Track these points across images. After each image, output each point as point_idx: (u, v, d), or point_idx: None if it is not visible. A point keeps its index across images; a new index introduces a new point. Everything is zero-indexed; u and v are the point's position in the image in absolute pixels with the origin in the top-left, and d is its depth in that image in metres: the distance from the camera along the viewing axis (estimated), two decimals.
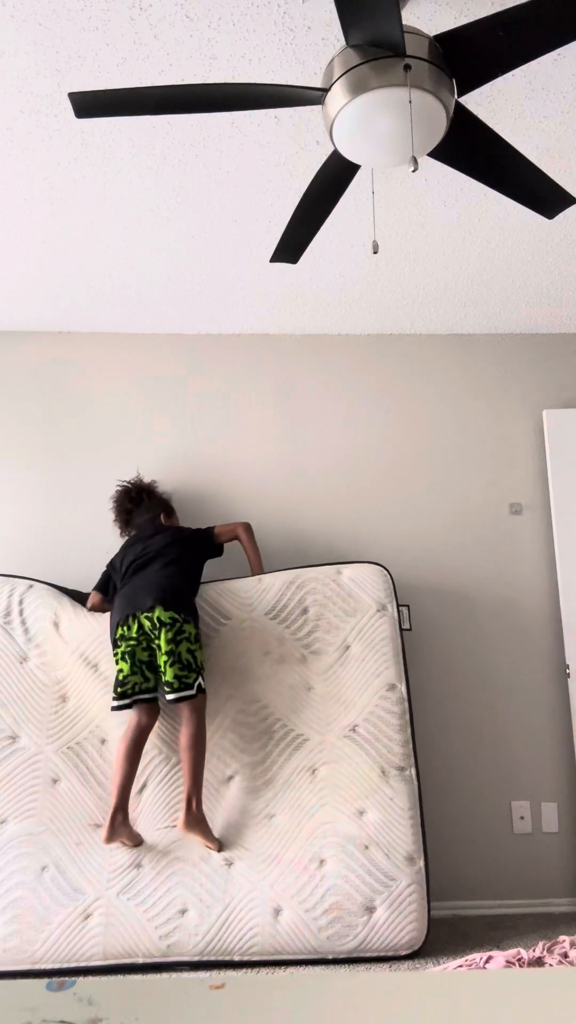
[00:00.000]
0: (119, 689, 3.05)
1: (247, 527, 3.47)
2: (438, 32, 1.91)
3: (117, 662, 3.09)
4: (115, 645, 3.10)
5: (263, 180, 2.80)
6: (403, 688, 3.17)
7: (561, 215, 2.98)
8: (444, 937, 3.03)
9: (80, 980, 0.77)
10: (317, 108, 2.45)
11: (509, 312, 3.82)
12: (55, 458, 3.79)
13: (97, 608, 3.34)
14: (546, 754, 3.60)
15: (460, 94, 1.92)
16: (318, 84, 2.31)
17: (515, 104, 2.49)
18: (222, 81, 2.29)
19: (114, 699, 3.05)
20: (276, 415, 3.90)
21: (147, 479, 3.69)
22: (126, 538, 3.53)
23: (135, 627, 3.07)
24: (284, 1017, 0.72)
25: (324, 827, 2.93)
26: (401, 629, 3.31)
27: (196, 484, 3.77)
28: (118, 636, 3.09)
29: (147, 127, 2.54)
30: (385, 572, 3.34)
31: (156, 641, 3.05)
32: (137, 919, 2.75)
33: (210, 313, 3.76)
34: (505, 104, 2.48)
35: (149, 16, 2.13)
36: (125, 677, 3.04)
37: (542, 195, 2.24)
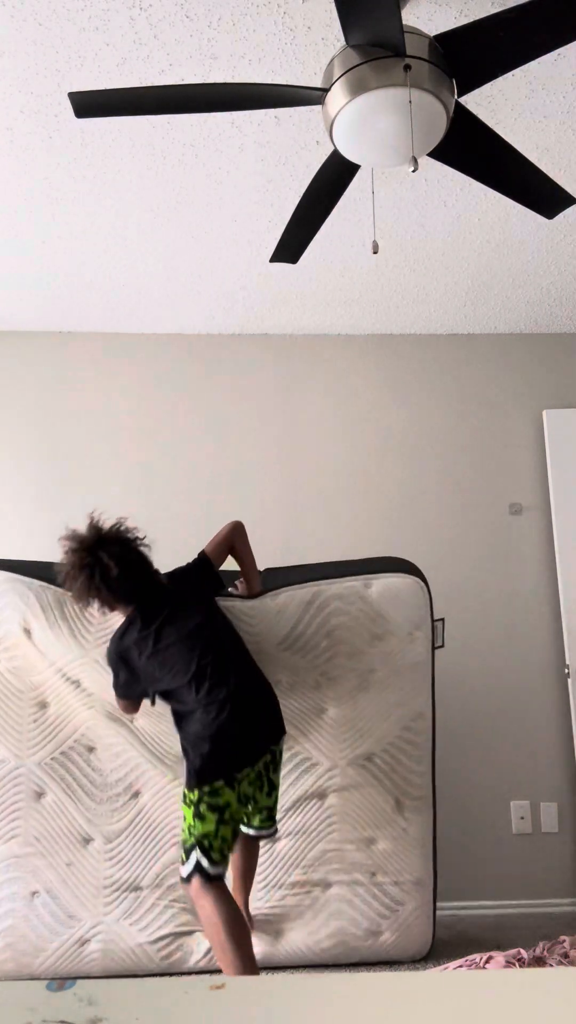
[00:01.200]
0: (232, 845, 2.37)
1: (239, 530, 2.76)
2: (438, 32, 1.90)
3: (227, 802, 2.31)
4: (228, 783, 2.33)
5: (263, 180, 2.79)
6: (430, 717, 2.87)
7: (561, 215, 2.98)
8: (445, 937, 3.03)
9: (80, 980, 0.77)
10: (317, 108, 2.45)
11: (509, 312, 3.82)
12: (55, 457, 3.78)
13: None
14: (546, 754, 3.60)
15: (460, 94, 1.92)
16: (318, 84, 2.31)
17: (515, 104, 2.48)
18: (222, 81, 2.29)
19: (212, 862, 2.25)
20: (276, 415, 3.90)
21: (104, 521, 2.51)
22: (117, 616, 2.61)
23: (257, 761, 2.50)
24: (284, 1017, 0.72)
25: (329, 854, 2.79)
26: (433, 647, 2.90)
27: (195, 484, 3.76)
28: (242, 774, 2.40)
29: (147, 127, 2.54)
30: (421, 586, 2.85)
31: (268, 775, 2.55)
32: (137, 942, 2.69)
33: (210, 313, 3.76)
34: (505, 104, 2.48)
35: (149, 16, 2.13)
36: (232, 815, 2.34)
37: (542, 195, 2.24)
